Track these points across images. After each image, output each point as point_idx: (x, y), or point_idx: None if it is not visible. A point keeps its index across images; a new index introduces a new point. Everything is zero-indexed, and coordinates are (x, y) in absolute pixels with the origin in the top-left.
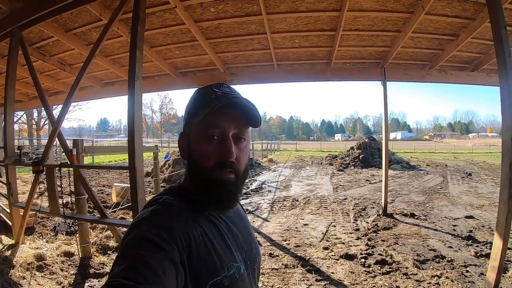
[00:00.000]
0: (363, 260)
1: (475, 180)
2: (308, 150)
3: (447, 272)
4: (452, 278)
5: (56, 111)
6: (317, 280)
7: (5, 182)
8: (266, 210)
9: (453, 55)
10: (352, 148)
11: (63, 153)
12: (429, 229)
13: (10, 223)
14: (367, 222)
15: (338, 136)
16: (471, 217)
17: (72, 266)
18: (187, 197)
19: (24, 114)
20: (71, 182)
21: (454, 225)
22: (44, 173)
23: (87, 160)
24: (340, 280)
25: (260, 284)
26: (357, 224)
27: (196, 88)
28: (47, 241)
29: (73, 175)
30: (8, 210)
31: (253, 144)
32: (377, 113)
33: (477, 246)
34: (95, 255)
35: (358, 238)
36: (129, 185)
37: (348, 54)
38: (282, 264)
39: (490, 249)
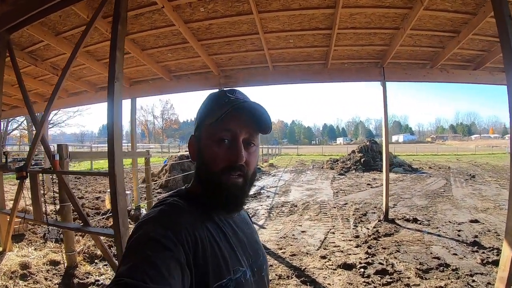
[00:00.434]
0: (362, 270)
1: (478, 182)
2: (309, 154)
3: (452, 282)
4: None
5: (56, 117)
6: None
7: None
8: (263, 216)
9: (454, 53)
10: (353, 151)
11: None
12: (432, 234)
13: None
14: (368, 228)
15: (340, 140)
16: (476, 221)
17: (56, 275)
18: (195, 200)
19: (25, 120)
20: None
21: (459, 230)
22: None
23: (85, 165)
24: None
25: None
26: (357, 231)
27: (210, 93)
28: (35, 249)
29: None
30: None
31: None
32: (379, 116)
33: (483, 253)
34: (81, 264)
35: (357, 246)
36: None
37: (345, 54)
38: (276, 275)
39: (497, 255)
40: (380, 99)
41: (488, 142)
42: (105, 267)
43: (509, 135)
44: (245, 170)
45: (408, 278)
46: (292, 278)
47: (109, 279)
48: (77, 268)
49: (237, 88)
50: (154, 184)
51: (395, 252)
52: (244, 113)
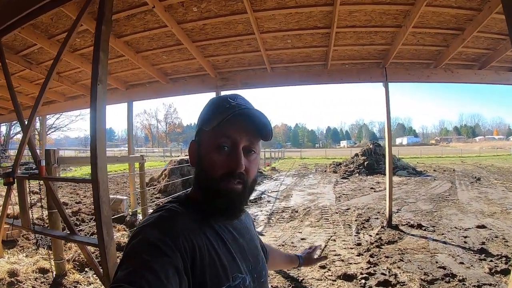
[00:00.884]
0: (363, 281)
1: (484, 185)
2: (312, 157)
3: None
4: None
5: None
6: None
7: None
8: (262, 222)
9: (458, 52)
10: (356, 154)
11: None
12: (437, 241)
13: None
14: (370, 235)
15: (343, 143)
16: (483, 226)
17: (44, 284)
18: (194, 206)
19: None
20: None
21: (465, 237)
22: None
23: (87, 170)
24: None
25: None
26: (359, 238)
27: (211, 98)
28: (26, 256)
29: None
30: None
31: None
32: (383, 119)
33: (491, 261)
34: (71, 272)
35: (359, 254)
36: (117, 197)
37: (345, 54)
38: (272, 286)
39: (505, 263)
40: (382, 101)
41: (492, 144)
42: (94, 276)
43: None
44: (245, 178)
45: None
46: None
47: None
48: (66, 277)
49: (238, 93)
50: (153, 188)
51: (399, 261)
52: (244, 120)
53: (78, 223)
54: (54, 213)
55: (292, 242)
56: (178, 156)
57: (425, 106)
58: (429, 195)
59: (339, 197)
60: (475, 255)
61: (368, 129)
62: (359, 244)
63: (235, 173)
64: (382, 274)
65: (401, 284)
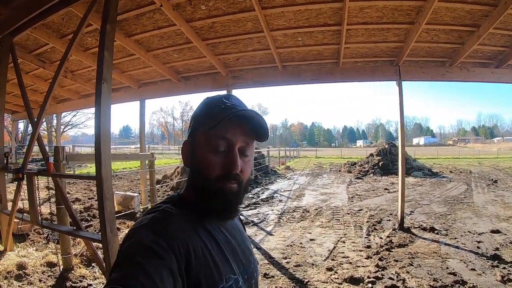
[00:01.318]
0: (370, 285)
1: (501, 188)
2: (328, 156)
3: None
4: None
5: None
6: None
7: None
8: (272, 222)
9: (474, 50)
10: (371, 154)
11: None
12: (450, 246)
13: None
14: (381, 238)
15: (360, 142)
16: (497, 231)
17: (51, 278)
18: (188, 207)
19: (45, 122)
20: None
21: (478, 242)
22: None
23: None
24: None
25: None
26: (369, 240)
27: (205, 97)
28: (36, 249)
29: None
30: None
31: (268, 151)
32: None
33: (504, 268)
34: (78, 267)
35: (368, 257)
36: (128, 194)
37: (358, 52)
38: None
39: None
40: (396, 100)
41: (511, 145)
42: (100, 271)
43: None
44: (240, 179)
45: None
46: None
47: (102, 283)
48: (72, 271)
49: (232, 94)
50: (166, 186)
51: (408, 266)
52: (240, 121)
53: (89, 219)
54: (61, 209)
55: (301, 243)
56: None
57: (442, 105)
58: (444, 197)
59: (352, 197)
60: (488, 262)
61: (385, 129)
62: (368, 247)
63: (232, 174)
64: (390, 278)
65: None
